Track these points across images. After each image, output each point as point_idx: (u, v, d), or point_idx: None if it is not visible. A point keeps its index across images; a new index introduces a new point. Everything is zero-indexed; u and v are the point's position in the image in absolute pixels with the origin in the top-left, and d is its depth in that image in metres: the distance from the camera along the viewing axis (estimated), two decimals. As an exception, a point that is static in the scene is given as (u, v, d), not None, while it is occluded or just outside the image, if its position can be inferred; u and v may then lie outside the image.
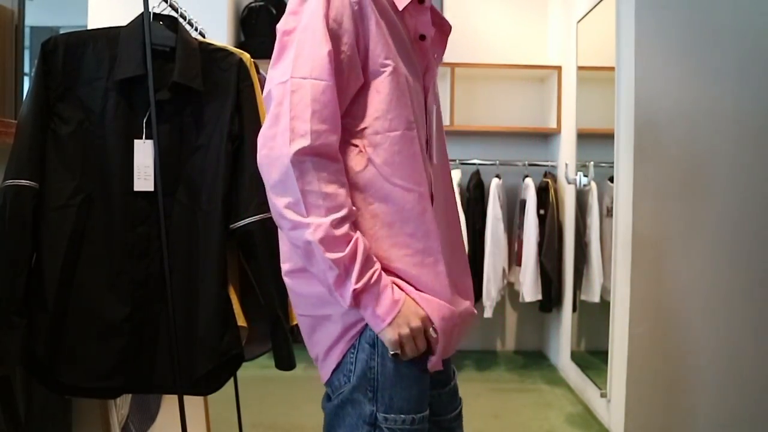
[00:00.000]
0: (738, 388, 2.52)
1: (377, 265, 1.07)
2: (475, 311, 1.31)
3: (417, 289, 1.11)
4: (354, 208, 1.08)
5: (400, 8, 1.16)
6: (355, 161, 1.11)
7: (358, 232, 1.06)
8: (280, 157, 1.03)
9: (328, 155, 1.05)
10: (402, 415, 1.10)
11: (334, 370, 1.14)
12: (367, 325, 1.09)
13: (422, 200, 1.13)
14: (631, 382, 2.54)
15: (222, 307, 1.55)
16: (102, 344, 1.52)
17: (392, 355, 1.07)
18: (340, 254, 1.02)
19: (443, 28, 1.30)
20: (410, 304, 1.07)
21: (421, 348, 1.08)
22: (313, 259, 1.04)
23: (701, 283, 2.51)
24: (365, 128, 1.12)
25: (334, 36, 1.07)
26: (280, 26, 1.12)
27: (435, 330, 1.09)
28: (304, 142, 1.02)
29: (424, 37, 1.21)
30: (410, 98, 1.15)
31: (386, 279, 1.07)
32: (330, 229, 1.02)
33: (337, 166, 1.06)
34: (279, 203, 1.05)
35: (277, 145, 1.04)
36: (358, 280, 1.03)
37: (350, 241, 1.03)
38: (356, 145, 1.12)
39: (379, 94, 1.12)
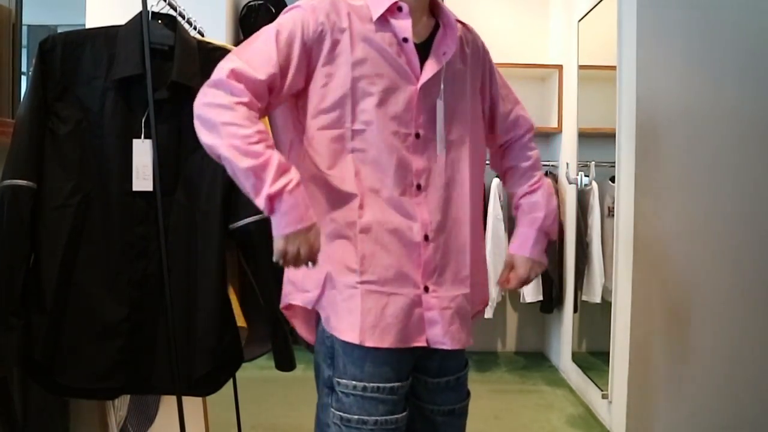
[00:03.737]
0: (740, 389, 2.51)
1: (295, 176, 1.15)
2: (466, 302, 1.33)
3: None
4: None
5: (374, 19, 1.28)
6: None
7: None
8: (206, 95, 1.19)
9: None
10: (354, 382, 1.22)
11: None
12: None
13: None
14: (632, 383, 2.53)
15: (221, 308, 1.54)
16: (100, 345, 1.51)
17: (275, 263, 1.17)
18: (251, 161, 1.11)
19: (447, 28, 1.35)
20: (315, 232, 1.16)
21: (298, 267, 1.17)
22: (234, 174, 1.15)
23: (703, 283, 2.50)
24: None
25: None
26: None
27: (313, 263, 1.18)
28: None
29: (406, 40, 1.29)
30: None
31: (301, 195, 1.14)
32: (246, 139, 1.13)
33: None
34: None
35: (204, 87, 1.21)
36: (272, 185, 1.11)
37: (261, 152, 1.12)
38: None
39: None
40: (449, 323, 1.28)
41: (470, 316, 1.35)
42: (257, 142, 1.12)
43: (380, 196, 1.25)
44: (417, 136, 1.29)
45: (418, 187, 1.28)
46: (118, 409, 1.75)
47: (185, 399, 1.57)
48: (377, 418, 1.23)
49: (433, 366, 1.33)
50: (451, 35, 1.35)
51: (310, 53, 1.27)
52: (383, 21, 1.28)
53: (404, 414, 1.27)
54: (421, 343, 1.27)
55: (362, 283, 1.23)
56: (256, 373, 2.89)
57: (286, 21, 1.30)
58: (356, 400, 1.23)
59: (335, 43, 1.27)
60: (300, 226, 1.14)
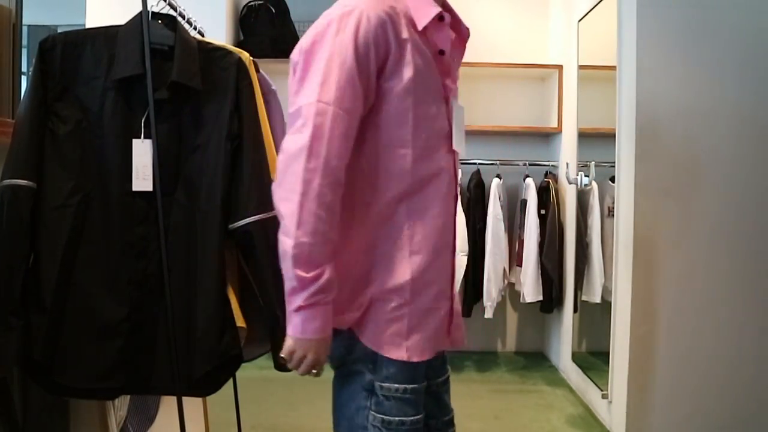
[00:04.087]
0: (740, 388, 2.51)
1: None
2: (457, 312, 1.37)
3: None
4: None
5: (420, 28, 1.22)
6: None
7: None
8: (291, 179, 1.12)
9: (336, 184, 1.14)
10: (395, 385, 1.24)
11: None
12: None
13: None
14: (632, 383, 2.53)
15: (221, 308, 1.54)
16: (100, 345, 1.51)
17: (280, 357, 1.20)
18: (305, 274, 1.12)
19: (462, 35, 1.35)
20: (322, 346, 1.18)
21: (300, 372, 1.22)
22: (284, 262, 1.15)
23: (703, 283, 2.50)
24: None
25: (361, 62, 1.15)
26: (304, 45, 1.17)
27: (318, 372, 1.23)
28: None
29: (443, 52, 1.26)
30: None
31: (330, 308, 1.15)
32: (311, 249, 1.12)
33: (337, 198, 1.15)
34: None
35: (297, 170, 1.12)
36: (308, 299, 1.13)
37: (318, 267, 1.12)
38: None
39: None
40: (462, 324, 1.36)
41: None
42: None
43: (431, 213, 1.25)
44: (449, 150, 1.29)
45: (454, 197, 1.30)
46: (118, 409, 1.75)
47: (185, 399, 1.57)
48: (411, 418, 1.26)
49: (438, 363, 1.36)
50: (463, 43, 1.35)
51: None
52: (424, 30, 1.23)
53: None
54: (446, 347, 1.32)
55: (408, 304, 1.23)
56: (256, 373, 2.89)
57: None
58: (396, 402, 1.25)
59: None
60: (319, 335, 1.16)
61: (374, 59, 1.16)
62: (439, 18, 1.24)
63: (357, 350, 1.26)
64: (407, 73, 1.18)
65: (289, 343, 1.17)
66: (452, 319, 1.31)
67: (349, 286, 1.22)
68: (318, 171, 1.11)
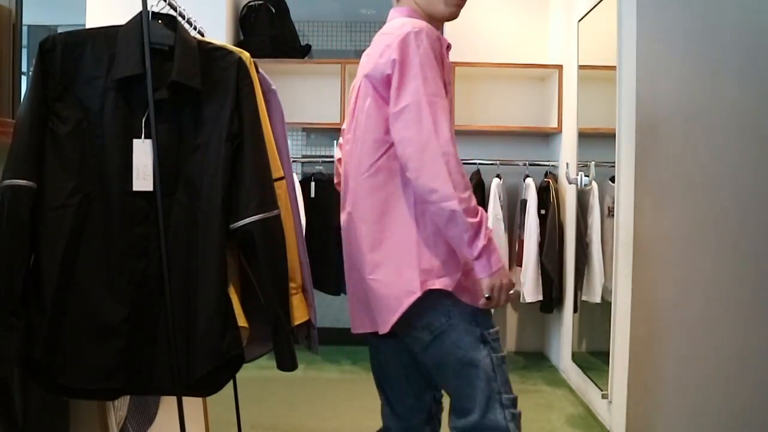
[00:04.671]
0: (740, 389, 2.51)
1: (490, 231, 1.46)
2: None
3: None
4: None
5: (444, 48, 1.56)
6: None
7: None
8: (439, 161, 1.39)
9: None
10: (495, 329, 1.53)
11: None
12: None
13: None
14: (632, 383, 2.53)
15: (222, 308, 1.54)
16: (100, 345, 1.51)
17: (486, 297, 1.44)
18: (475, 219, 1.40)
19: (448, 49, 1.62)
20: (506, 268, 1.47)
21: (503, 301, 1.46)
22: (453, 222, 1.40)
23: (703, 283, 2.50)
24: None
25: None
26: (395, 58, 1.45)
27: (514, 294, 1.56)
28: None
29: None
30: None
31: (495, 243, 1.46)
32: (470, 201, 1.41)
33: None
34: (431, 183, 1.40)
35: (435, 153, 1.40)
36: (485, 238, 1.42)
37: (479, 211, 1.42)
38: None
39: None
40: None
41: None
42: None
43: None
44: None
45: None
46: (118, 409, 1.75)
47: (185, 399, 1.57)
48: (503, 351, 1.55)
49: None
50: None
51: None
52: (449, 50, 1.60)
53: None
54: None
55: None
56: (257, 373, 2.89)
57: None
58: (497, 340, 1.53)
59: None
60: (501, 262, 1.45)
61: (438, 64, 1.48)
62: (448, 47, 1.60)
63: (456, 313, 1.49)
64: (447, 77, 1.53)
65: (486, 282, 1.43)
66: None
67: (455, 253, 1.48)
68: (446, 145, 1.40)
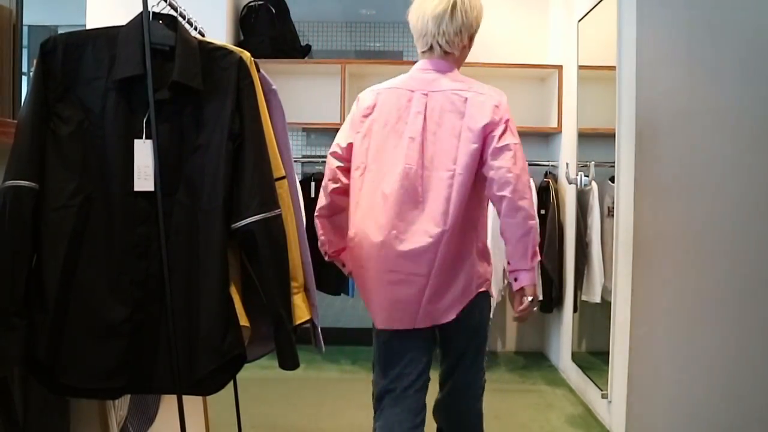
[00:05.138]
0: (740, 389, 2.51)
1: None
2: None
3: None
4: None
5: None
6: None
7: None
8: (528, 189, 1.79)
9: None
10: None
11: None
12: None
13: None
14: (632, 383, 2.53)
15: (224, 307, 1.54)
16: (102, 345, 1.51)
17: (531, 300, 1.81)
18: (538, 240, 1.86)
19: None
20: None
21: (534, 307, 1.85)
22: (529, 236, 1.77)
23: (703, 282, 2.50)
24: None
25: None
26: (504, 111, 1.85)
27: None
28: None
29: None
30: None
31: None
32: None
33: None
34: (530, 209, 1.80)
35: (526, 182, 1.80)
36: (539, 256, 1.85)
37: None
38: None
39: None
40: None
41: None
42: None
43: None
44: None
45: None
46: (119, 408, 1.75)
47: (186, 399, 1.57)
48: None
49: None
50: None
51: None
52: None
53: None
54: None
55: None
56: (257, 373, 2.90)
57: None
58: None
59: None
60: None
61: None
62: None
63: (487, 307, 2.00)
64: None
65: (531, 290, 1.81)
66: None
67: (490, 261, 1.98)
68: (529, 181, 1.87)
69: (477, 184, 1.83)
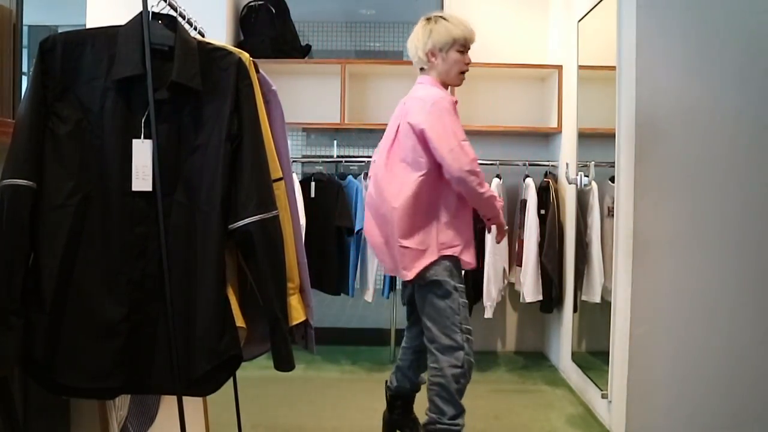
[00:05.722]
0: (740, 388, 2.51)
1: None
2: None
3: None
4: None
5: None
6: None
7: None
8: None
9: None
10: (462, 285, 2.34)
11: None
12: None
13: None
14: (632, 382, 2.53)
15: (221, 308, 1.54)
16: (100, 344, 1.51)
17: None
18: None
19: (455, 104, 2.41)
20: None
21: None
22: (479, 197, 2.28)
23: (702, 283, 2.50)
24: None
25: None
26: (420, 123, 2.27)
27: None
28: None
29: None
30: None
31: None
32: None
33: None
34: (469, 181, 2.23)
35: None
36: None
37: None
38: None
39: None
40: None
41: None
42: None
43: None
44: None
45: None
46: (119, 408, 1.75)
47: (185, 399, 1.57)
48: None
49: None
50: None
51: None
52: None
53: None
54: None
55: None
56: (257, 372, 2.90)
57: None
58: (462, 294, 2.32)
59: None
60: None
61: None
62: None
63: (457, 269, 2.34)
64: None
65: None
66: None
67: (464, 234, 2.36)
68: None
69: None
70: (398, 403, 2.61)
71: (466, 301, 2.33)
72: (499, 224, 2.42)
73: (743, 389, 2.51)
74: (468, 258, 2.35)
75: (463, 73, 2.40)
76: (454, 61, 2.35)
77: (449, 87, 2.43)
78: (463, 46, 2.36)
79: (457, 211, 2.33)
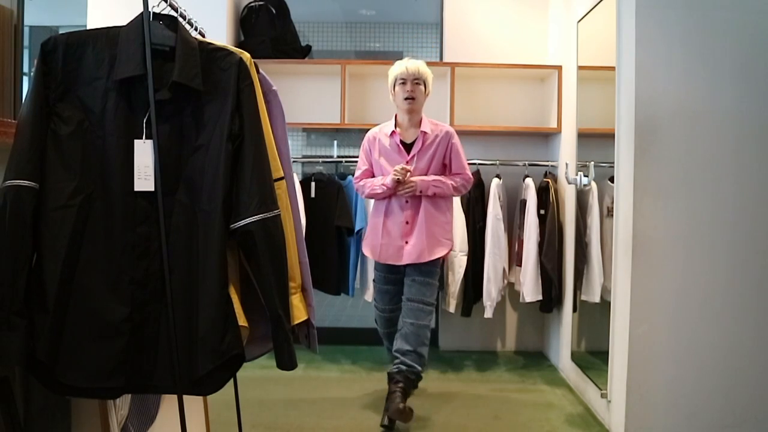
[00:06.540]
0: (739, 388, 2.52)
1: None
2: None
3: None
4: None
5: (387, 134, 3.10)
6: None
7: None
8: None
9: None
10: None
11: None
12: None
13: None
14: (631, 382, 2.53)
15: (223, 307, 1.55)
16: (102, 344, 1.52)
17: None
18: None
19: (422, 134, 3.04)
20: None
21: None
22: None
23: (702, 282, 2.51)
24: None
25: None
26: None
27: None
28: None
29: (402, 142, 3.03)
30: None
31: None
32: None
33: None
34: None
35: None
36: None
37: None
38: None
39: None
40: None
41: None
42: None
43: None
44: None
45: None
46: (120, 408, 1.75)
47: (186, 398, 1.57)
48: None
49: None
50: (423, 137, 2.98)
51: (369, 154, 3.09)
52: (392, 135, 3.02)
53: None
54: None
55: None
56: (257, 372, 2.90)
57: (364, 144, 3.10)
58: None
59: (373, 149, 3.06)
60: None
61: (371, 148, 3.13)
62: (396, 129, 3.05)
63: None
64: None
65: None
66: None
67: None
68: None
69: None
70: (399, 377, 2.82)
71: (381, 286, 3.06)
72: (406, 191, 2.92)
73: (743, 389, 2.52)
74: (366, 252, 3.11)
75: (407, 99, 2.94)
76: (398, 93, 2.97)
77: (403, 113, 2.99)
78: (403, 79, 2.93)
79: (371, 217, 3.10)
